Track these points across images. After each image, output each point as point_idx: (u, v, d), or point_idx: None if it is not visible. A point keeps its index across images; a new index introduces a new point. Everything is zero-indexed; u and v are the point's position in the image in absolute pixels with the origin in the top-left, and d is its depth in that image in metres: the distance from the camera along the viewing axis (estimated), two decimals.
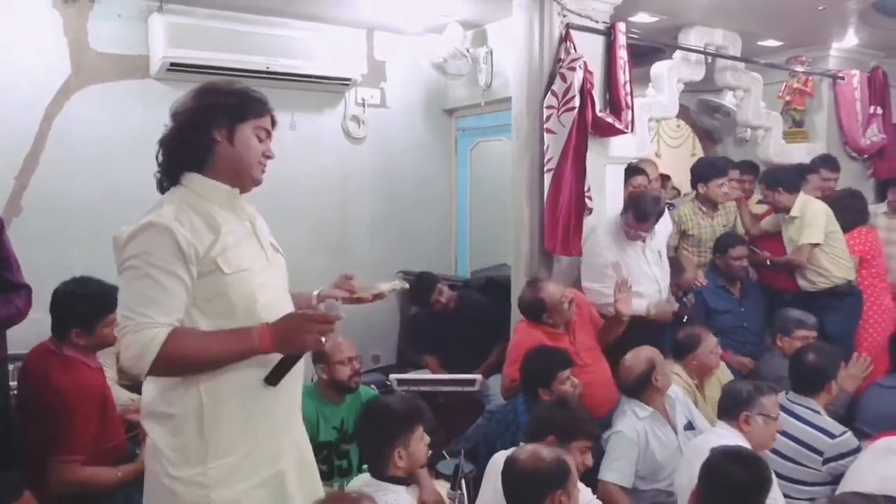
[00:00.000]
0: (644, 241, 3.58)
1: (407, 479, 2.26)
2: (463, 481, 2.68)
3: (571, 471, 1.97)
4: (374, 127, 4.81)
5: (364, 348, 4.74)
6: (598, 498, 2.67)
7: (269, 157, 1.71)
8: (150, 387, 1.66)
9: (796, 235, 4.06)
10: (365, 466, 2.76)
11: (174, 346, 1.51)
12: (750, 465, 2.02)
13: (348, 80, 4.49)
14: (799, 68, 5.02)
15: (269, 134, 1.72)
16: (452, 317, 4.20)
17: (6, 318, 2.37)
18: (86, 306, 2.45)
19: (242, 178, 1.69)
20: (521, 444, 2.35)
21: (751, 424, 2.55)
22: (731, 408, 2.61)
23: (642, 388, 2.94)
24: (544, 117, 3.58)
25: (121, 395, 3.05)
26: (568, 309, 3.26)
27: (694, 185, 4.26)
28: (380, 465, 2.24)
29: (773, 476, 2.30)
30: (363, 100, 4.72)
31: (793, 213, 4.06)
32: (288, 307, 1.72)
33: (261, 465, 1.66)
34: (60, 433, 2.32)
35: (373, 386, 3.35)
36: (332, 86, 4.50)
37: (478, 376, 3.53)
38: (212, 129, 1.64)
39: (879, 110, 5.14)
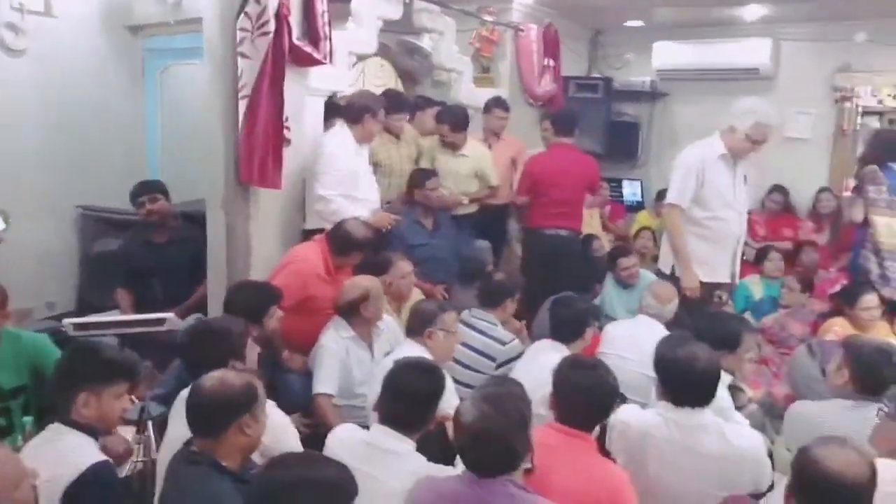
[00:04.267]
0: None
1: (95, 431, 2.05)
2: (150, 423, 2.54)
3: (259, 394, 1.94)
4: (39, 39, 4.14)
5: (37, 295, 4.18)
6: (312, 412, 2.86)
7: None
8: None
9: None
10: (27, 419, 2.48)
11: None
12: (425, 372, 2.19)
13: None
14: (487, 17, 5.41)
15: None
16: (159, 248, 3.87)
17: None
18: None
19: None
20: None
21: (433, 339, 2.78)
22: (416, 325, 2.81)
23: (352, 312, 3.04)
24: (238, 40, 3.37)
25: None
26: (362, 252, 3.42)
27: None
28: (64, 405, 2.01)
29: (450, 383, 2.55)
30: (21, 4, 4.01)
31: (464, 152, 4.47)
32: None
33: None
34: None
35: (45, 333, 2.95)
36: None
37: (168, 315, 3.28)
38: None
39: (552, 63, 5.78)
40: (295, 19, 3.59)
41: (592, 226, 5.24)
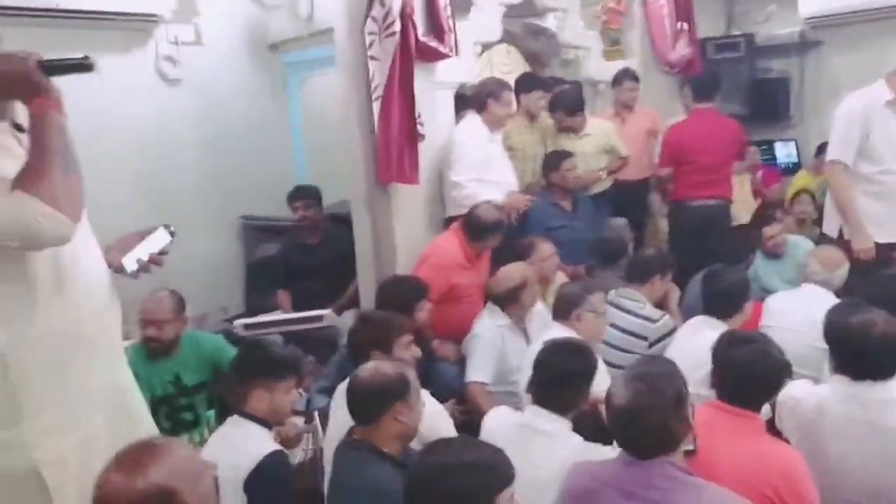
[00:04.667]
0: None
1: (268, 422, 2.22)
2: (316, 414, 2.70)
3: (412, 383, 2.01)
4: (192, 67, 4.51)
5: (211, 301, 4.57)
6: (466, 399, 2.92)
7: None
8: None
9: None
10: (209, 412, 2.72)
11: (41, 193, 1.36)
12: (575, 352, 2.16)
13: (154, 15, 4.15)
14: None
15: None
16: (312, 249, 4.12)
17: None
18: None
19: None
20: None
21: (582, 321, 2.73)
22: (563, 308, 2.78)
23: (509, 300, 3.07)
24: (367, 44, 3.49)
25: None
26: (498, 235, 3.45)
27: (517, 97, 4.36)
28: (239, 402, 2.19)
29: (602, 365, 2.50)
30: (176, 37, 4.39)
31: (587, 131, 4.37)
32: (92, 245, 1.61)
33: (81, 417, 1.56)
34: None
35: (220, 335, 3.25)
36: (138, 23, 4.14)
37: (325, 312, 3.50)
38: None
39: (685, 26, 5.48)
40: (419, 16, 3.65)
41: (743, 193, 4.92)
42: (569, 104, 4.38)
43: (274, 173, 4.92)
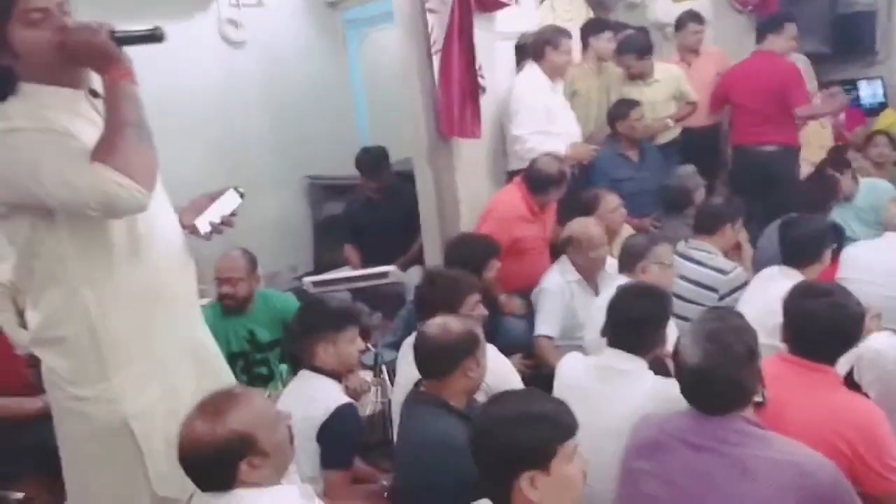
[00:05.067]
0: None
1: (337, 374, 2.29)
2: (384, 367, 2.77)
3: (479, 340, 2.02)
4: (254, 28, 4.55)
5: (280, 259, 4.70)
6: (532, 353, 2.96)
7: (61, 31, 1.46)
8: (33, 313, 1.59)
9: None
10: (282, 366, 2.82)
11: (117, 163, 1.43)
12: (650, 294, 2.15)
13: None
14: None
15: (45, 11, 1.45)
16: (378, 205, 4.17)
17: None
18: None
19: (60, 75, 1.52)
20: None
21: (647, 273, 2.69)
22: (628, 261, 2.74)
23: (576, 253, 3.07)
24: None
25: (24, 338, 2.94)
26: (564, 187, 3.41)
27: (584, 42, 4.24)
28: (307, 358, 2.27)
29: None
30: (237, 1, 4.43)
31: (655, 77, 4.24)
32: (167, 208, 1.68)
33: (165, 370, 1.64)
34: None
35: (290, 292, 3.35)
36: None
37: (391, 268, 3.55)
38: None
39: None
40: None
41: (822, 137, 4.67)
42: (638, 47, 4.23)
43: (337, 132, 4.96)
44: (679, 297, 2.96)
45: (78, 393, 1.56)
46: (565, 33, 3.82)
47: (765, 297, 2.49)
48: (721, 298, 2.94)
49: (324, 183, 4.83)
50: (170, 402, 1.61)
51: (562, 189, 3.44)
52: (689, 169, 3.84)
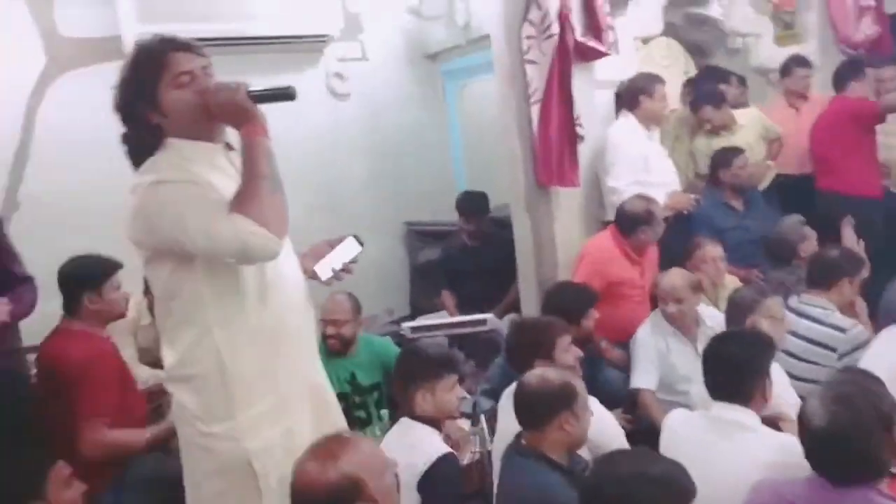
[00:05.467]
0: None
1: (437, 422, 2.30)
2: (483, 417, 2.75)
3: (579, 393, 1.99)
4: (359, 81, 4.75)
5: (378, 303, 4.79)
6: (634, 407, 2.87)
7: (203, 92, 1.59)
8: (169, 352, 1.69)
9: None
10: (384, 411, 2.85)
11: (252, 214, 1.52)
12: (742, 339, 2.08)
13: (325, 36, 4.42)
14: None
15: (189, 73, 1.60)
16: (475, 251, 4.22)
17: (20, 315, 2.44)
18: (90, 270, 2.58)
19: (202, 133, 1.65)
20: None
21: (758, 328, 2.56)
22: (736, 315, 2.63)
23: (665, 302, 3.00)
24: (524, 49, 3.51)
25: (142, 374, 3.12)
26: (661, 233, 3.36)
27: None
28: (406, 405, 2.29)
29: (784, 377, 2.34)
30: (343, 55, 4.66)
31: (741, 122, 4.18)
32: (290, 255, 1.75)
33: (286, 410, 1.70)
34: (84, 401, 2.41)
35: (388, 337, 3.41)
36: (310, 44, 4.43)
37: (488, 316, 3.56)
38: (142, 115, 1.61)
39: (872, 2, 4.98)
40: (576, 16, 3.61)
41: None
42: (711, 97, 4.16)
43: (435, 179, 5.08)
44: (792, 355, 2.82)
45: (206, 429, 1.64)
46: (659, 79, 3.79)
47: (890, 357, 2.33)
48: (840, 358, 2.77)
49: (421, 229, 4.93)
50: (287, 442, 1.66)
51: (653, 229, 3.35)
52: (795, 219, 3.68)
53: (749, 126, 4.22)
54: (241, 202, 1.54)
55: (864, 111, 3.95)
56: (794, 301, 2.96)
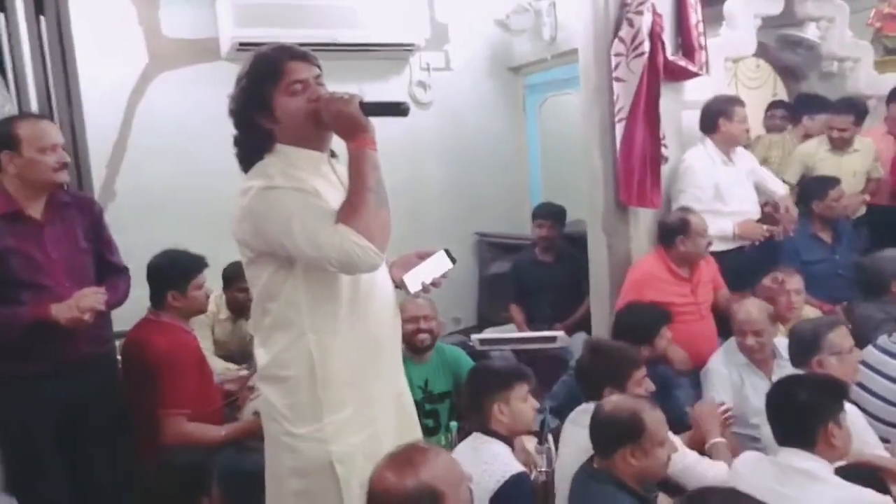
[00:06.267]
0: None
1: (510, 439, 2.29)
2: (550, 436, 2.72)
3: (647, 429, 1.95)
4: (441, 90, 4.80)
5: (445, 311, 4.81)
6: None
7: (316, 101, 1.62)
8: (262, 351, 1.73)
9: None
10: (453, 424, 2.86)
11: (358, 226, 1.55)
12: (807, 382, 2.00)
13: (412, 45, 4.50)
14: None
15: (303, 81, 1.63)
16: (546, 267, 4.21)
17: (115, 304, 2.54)
18: (177, 269, 2.67)
19: (311, 141, 1.69)
20: None
21: (826, 366, 2.45)
22: (799, 353, 2.52)
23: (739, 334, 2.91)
24: (613, 66, 3.47)
25: (217, 366, 3.23)
26: (704, 244, 3.26)
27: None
28: (481, 419, 2.29)
29: (862, 420, 2.24)
30: (428, 64, 4.72)
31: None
32: (383, 267, 1.76)
33: (371, 418, 1.73)
34: (164, 391, 2.50)
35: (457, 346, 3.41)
36: (397, 52, 4.52)
37: (559, 333, 3.53)
38: (255, 120, 1.65)
39: None
40: (668, 35, 3.55)
41: None
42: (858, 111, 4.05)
43: (510, 191, 5.08)
44: (876, 395, 2.69)
45: (293, 430, 1.67)
46: (738, 101, 3.66)
47: None
48: None
49: (492, 240, 4.94)
50: (370, 447, 1.68)
51: (692, 240, 3.23)
52: (894, 252, 3.50)
53: (863, 153, 4.09)
54: (349, 213, 1.57)
55: None
56: (884, 340, 2.82)
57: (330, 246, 1.54)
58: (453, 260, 1.85)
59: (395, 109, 1.62)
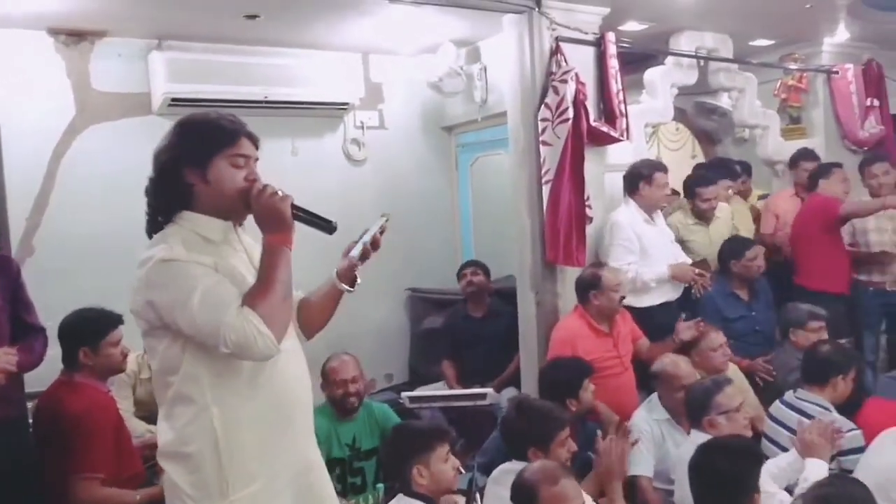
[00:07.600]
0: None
1: (432, 500, 2.28)
2: (478, 495, 2.72)
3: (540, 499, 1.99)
4: (375, 148, 4.86)
5: (377, 367, 4.79)
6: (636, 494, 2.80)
7: (253, 181, 1.65)
8: (164, 426, 1.67)
9: None
10: (379, 485, 2.83)
11: (262, 311, 1.53)
12: (730, 451, 2.05)
13: (346, 104, 4.56)
14: (792, 65, 5.05)
15: (247, 158, 1.66)
16: (477, 322, 4.26)
17: (28, 366, 2.46)
18: (89, 326, 2.61)
19: (229, 213, 1.69)
20: None
21: (716, 427, 2.54)
22: (693, 414, 2.63)
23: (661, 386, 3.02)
24: (539, 130, 3.63)
25: (137, 428, 3.12)
26: (617, 299, 3.36)
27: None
28: (403, 481, 2.28)
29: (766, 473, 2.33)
30: (362, 122, 4.78)
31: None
32: (290, 329, 1.74)
33: (281, 490, 1.68)
34: (77, 454, 2.41)
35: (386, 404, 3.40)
36: (331, 110, 4.57)
37: (488, 390, 3.56)
38: (183, 172, 1.63)
39: (876, 102, 5.14)
40: (591, 102, 3.75)
41: None
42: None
43: (442, 247, 5.14)
44: (784, 449, 2.79)
45: None
46: (658, 167, 3.84)
47: (885, 462, 2.32)
48: (831, 459, 2.75)
49: (425, 296, 4.96)
50: None
51: (605, 294, 3.36)
52: (806, 307, 3.67)
53: (722, 219, 4.26)
54: (256, 297, 1.56)
55: (828, 210, 4.11)
56: (789, 396, 2.96)
57: (230, 327, 1.51)
58: (387, 219, 1.84)
59: (324, 225, 1.65)
